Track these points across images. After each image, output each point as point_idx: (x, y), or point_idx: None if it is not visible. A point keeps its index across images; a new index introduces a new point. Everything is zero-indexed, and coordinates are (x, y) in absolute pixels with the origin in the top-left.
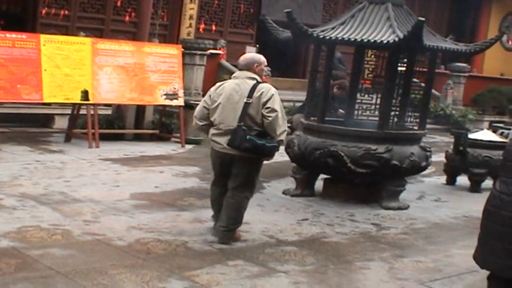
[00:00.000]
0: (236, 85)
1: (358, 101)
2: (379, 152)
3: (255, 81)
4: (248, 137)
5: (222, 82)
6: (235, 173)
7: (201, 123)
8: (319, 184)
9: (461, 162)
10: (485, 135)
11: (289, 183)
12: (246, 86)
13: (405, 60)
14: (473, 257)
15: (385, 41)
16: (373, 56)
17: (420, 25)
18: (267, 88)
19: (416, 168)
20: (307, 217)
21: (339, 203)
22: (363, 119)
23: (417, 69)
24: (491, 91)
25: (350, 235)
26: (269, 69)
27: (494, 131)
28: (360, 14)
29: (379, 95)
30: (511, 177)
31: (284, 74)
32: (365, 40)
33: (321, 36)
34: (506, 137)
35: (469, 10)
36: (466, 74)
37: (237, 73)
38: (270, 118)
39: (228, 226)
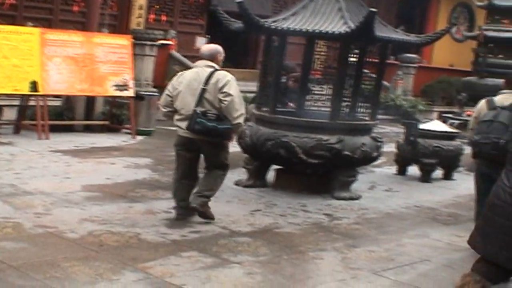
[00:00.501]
0: (195, 73)
1: (309, 91)
2: (331, 142)
3: (212, 69)
4: (198, 120)
5: (183, 71)
6: (205, 154)
7: (165, 110)
8: (271, 175)
9: (412, 153)
10: (435, 125)
11: (241, 174)
12: (204, 74)
13: (357, 51)
14: (468, 242)
15: (336, 32)
16: (324, 47)
17: (371, 16)
18: (223, 75)
19: (368, 159)
20: (260, 208)
21: (291, 194)
22: (314, 110)
23: (368, 60)
24: (441, 82)
25: (303, 226)
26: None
27: (444, 122)
28: (312, 4)
29: (330, 86)
30: None
31: (235, 64)
32: (317, 31)
33: (273, 27)
34: (456, 127)
35: (419, 1)
36: (416, 65)
37: (198, 62)
38: (226, 102)
39: (201, 192)
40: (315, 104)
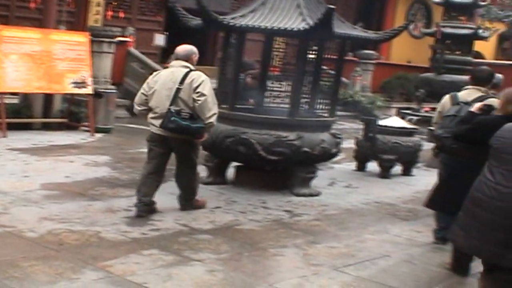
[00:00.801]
0: (170, 73)
1: (268, 88)
2: (290, 139)
3: (188, 69)
4: (172, 118)
5: (159, 71)
6: (176, 152)
7: (140, 108)
8: (231, 172)
9: (371, 149)
10: (394, 121)
11: (201, 171)
12: (180, 73)
13: (315, 47)
14: (450, 239)
15: (295, 29)
16: (283, 43)
17: (330, 13)
18: (198, 75)
19: (327, 155)
20: (220, 205)
21: (251, 191)
22: (273, 107)
23: (327, 56)
24: (399, 78)
25: (263, 222)
26: None
27: (402, 118)
28: (270, 1)
29: (289, 83)
30: (508, 169)
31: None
32: (275, 28)
33: (231, 24)
34: (414, 123)
35: None
36: (374, 61)
37: (173, 62)
38: (199, 102)
39: (186, 197)
40: (274, 101)
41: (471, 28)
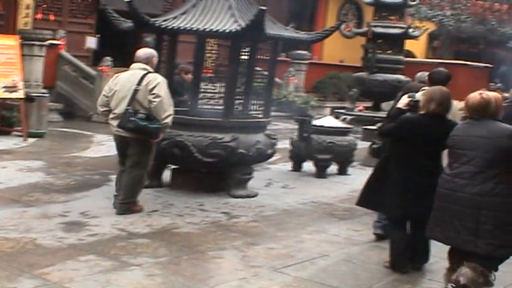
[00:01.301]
0: (130, 75)
1: (202, 90)
2: (225, 141)
3: (146, 71)
4: (131, 118)
5: (119, 73)
6: (129, 153)
7: (102, 109)
8: (167, 175)
9: (306, 149)
10: (328, 121)
11: None
12: (138, 75)
13: (248, 48)
14: (431, 236)
15: (227, 31)
16: (215, 45)
17: (261, 14)
18: (154, 77)
19: (263, 156)
20: (157, 208)
21: (188, 193)
22: (208, 108)
23: (260, 57)
24: (332, 78)
25: (201, 225)
26: (111, 59)
27: (337, 117)
28: (202, 3)
29: (223, 84)
30: (462, 163)
31: (126, 64)
32: (207, 30)
33: (163, 26)
34: (348, 122)
35: None
36: (307, 61)
37: (133, 65)
38: (155, 103)
39: (123, 200)
40: (209, 103)
41: (401, 28)
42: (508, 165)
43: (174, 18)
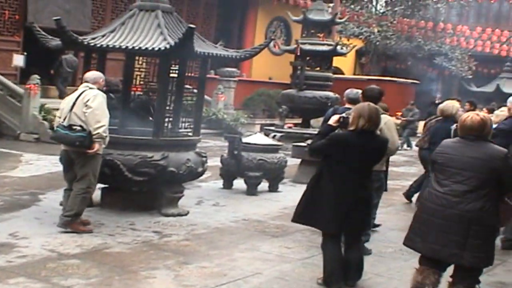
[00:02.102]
0: (74, 94)
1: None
2: (155, 159)
3: (87, 88)
4: (55, 128)
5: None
6: (74, 165)
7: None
8: (97, 194)
9: (236, 166)
10: (258, 138)
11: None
12: (79, 92)
13: (177, 66)
14: (406, 244)
15: (156, 48)
16: (144, 63)
17: (190, 32)
18: (91, 91)
19: (193, 174)
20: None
21: (118, 212)
22: (138, 127)
23: (189, 75)
24: (261, 95)
25: (133, 244)
26: (39, 77)
27: (266, 134)
28: (131, 21)
29: (152, 102)
30: (455, 181)
31: (54, 82)
32: (136, 48)
33: (92, 44)
34: (278, 139)
35: (236, 16)
36: (236, 79)
37: (82, 85)
38: (86, 114)
39: (64, 213)
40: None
41: (330, 45)
42: (498, 184)
43: (103, 36)
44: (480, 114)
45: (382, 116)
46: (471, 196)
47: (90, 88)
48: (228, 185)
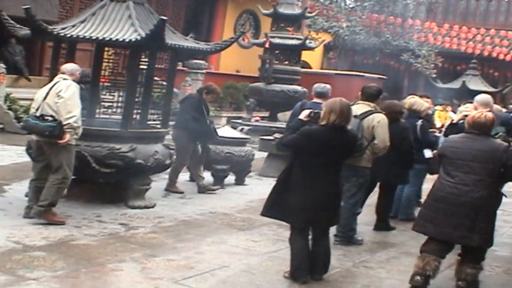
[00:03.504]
0: (50, 84)
1: (100, 99)
2: (123, 151)
3: (61, 79)
4: (24, 118)
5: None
6: (47, 156)
7: None
8: None
9: (204, 159)
10: (226, 131)
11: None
12: (53, 82)
13: (147, 58)
14: (416, 230)
15: (127, 40)
16: (113, 54)
17: (162, 24)
18: (64, 82)
19: (161, 166)
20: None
21: (84, 204)
22: (106, 118)
23: (158, 67)
24: (228, 88)
25: (99, 237)
26: (4, 66)
27: (234, 128)
28: (102, 12)
29: (121, 94)
30: (463, 172)
31: (20, 71)
32: (107, 39)
33: (62, 34)
34: (246, 133)
35: (205, 8)
36: (204, 71)
37: (57, 76)
38: (57, 104)
39: (39, 201)
40: (106, 112)
41: (299, 39)
42: (500, 174)
43: (73, 26)
44: (487, 113)
45: (377, 114)
46: (480, 184)
47: (64, 79)
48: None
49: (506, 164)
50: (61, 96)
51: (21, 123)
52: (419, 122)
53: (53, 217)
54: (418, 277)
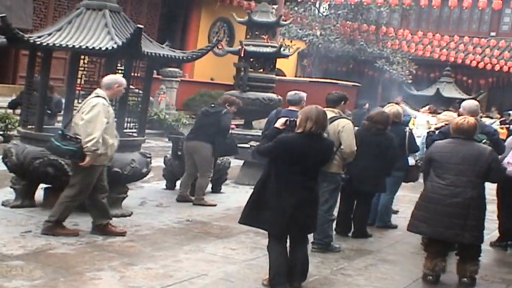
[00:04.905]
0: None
1: (76, 108)
2: None
3: (93, 95)
4: (51, 139)
5: None
6: None
7: None
8: (40, 194)
9: (180, 167)
10: None
11: (8, 194)
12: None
13: (122, 66)
14: (411, 230)
15: (103, 48)
16: (89, 62)
17: (138, 32)
18: (91, 101)
19: (138, 175)
20: (31, 229)
21: None
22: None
23: (134, 75)
24: (203, 95)
25: (77, 245)
26: None
27: None
28: (78, 20)
29: None
30: (453, 174)
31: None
32: (83, 47)
33: (38, 42)
34: None
35: (179, 16)
36: (179, 79)
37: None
38: (78, 126)
39: (51, 217)
40: None
41: (273, 47)
42: (487, 175)
43: (49, 34)
44: (471, 119)
45: (341, 120)
46: (470, 185)
47: (97, 96)
48: (171, 186)
49: (490, 165)
50: (81, 117)
51: (47, 145)
52: (408, 130)
53: (62, 231)
54: (430, 277)
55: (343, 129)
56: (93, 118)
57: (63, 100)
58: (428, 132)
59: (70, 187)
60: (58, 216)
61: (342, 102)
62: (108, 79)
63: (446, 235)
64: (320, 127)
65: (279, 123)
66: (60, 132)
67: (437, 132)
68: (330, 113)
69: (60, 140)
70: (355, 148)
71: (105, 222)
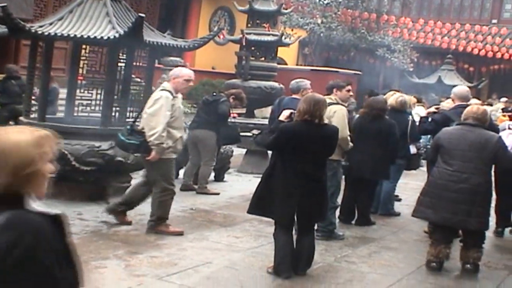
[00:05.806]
0: None
1: (78, 97)
2: (103, 149)
3: (159, 88)
4: (118, 134)
5: None
6: None
7: None
8: None
9: (183, 156)
10: None
11: None
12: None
13: (125, 56)
14: (417, 216)
15: (105, 37)
16: (91, 52)
17: (140, 21)
18: (156, 95)
19: (141, 164)
20: None
21: (65, 203)
22: (85, 116)
23: (137, 64)
24: (204, 85)
25: (82, 235)
26: None
27: None
28: (79, 9)
29: (99, 92)
30: (461, 160)
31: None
32: (85, 36)
33: (39, 32)
34: None
35: (180, 5)
36: None
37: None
38: (143, 119)
39: (151, 217)
40: (85, 110)
41: (275, 35)
42: (494, 162)
43: (51, 24)
44: (482, 107)
45: (334, 106)
46: (477, 172)
47: (162, 89)
48: (175, 175)
49: (497, 153)
50: (145, 111)
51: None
52: (411, 118)
53: (166, 229)
54: (434, 264)
55: (334, 114)
56: (156, 111)
57: (59, 90)
58: (420, 118)
59: (154, 184)
60: (157, 214)
61: (335, 90)
62: (174, 71)
63: (452, 221)
64: (319, 114)
65: (283, 116)
66: (128, 127)
67: (429, 119)
68: (327, 100)
69: (125, 135)
70: (347, 134)
71: (125, 209)
